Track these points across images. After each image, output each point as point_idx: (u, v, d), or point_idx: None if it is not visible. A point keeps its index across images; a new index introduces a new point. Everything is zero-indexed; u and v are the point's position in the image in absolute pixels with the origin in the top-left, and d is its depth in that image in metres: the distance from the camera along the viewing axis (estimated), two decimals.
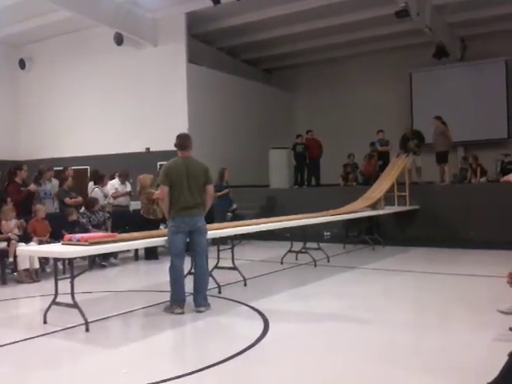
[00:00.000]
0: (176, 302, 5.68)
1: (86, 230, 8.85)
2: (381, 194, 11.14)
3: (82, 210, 9.41)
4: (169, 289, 5.77)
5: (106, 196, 10.44)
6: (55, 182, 10.17)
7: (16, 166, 9.78)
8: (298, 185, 14.82)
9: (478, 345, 4.50)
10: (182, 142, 5.95)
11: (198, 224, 5.79)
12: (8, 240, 7.69)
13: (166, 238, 5.92)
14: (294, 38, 16.32)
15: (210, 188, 5.98)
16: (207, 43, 16.75)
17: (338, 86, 18.20)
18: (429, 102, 16.14)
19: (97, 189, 10.47)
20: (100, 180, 10.73)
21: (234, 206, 12.37)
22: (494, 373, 2.93)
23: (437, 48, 15.17)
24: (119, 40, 14.73)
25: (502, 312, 4.74)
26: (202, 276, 5.91)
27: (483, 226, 11.07)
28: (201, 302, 5.79)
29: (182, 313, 5.62)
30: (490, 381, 2.96)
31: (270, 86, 19.25)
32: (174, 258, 5.76)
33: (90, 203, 9.44)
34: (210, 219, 10.31)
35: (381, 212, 10.92)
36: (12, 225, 7.98)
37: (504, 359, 2.97)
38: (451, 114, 14.12)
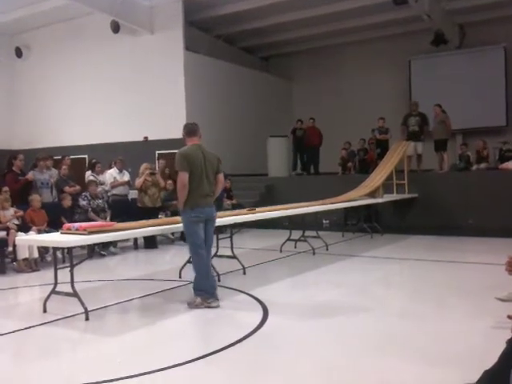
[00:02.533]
0: (211, 294, 5.48)
1: (86, 212, 8.89)
2: (379, 182, 11.14)
3: (84, 192, 9.45)
4: (168, 278, 5.77)
5: (101, 183, 10.45)
6: (54, 171, 10.17)
7: (12, 155, 9.77)
8: (297, 170, 14.82)
9: (475, 332, 4.53)
10: (193, 128, 5.76)
11: (213, 213, 5.67)
12: (7, 229, 7.69)
13: (170, 227, 5.81)
14: (291, 26, 16.21)
15: (221, 176, 5.83)
16: (204, 31, 16.64)
17: (337, 74, 18.12)
18: (427, 90, 16.09)
19: (91, 177, 10.47)
20: (92, 167, 10.80)
21: (234, 200, 12.39)
22: (492, 360, 2.95)
23: (435, 35, 15.10)
24: (116, 28, 14.65)
25: (500, 299, 4.76)
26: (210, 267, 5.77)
27: (482, 213, 11.09)
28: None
29: (218, 306, 5.44)
30: (487, 368, 2.98)
31: (268, 73, 19.17)
32: (198, 249, 5.51)
33: (87, 184, 9.57)
34: None
35: (379, 200, 10.92)
36: (10, 214, 7.97)
37: (502, 346, 2.98)
38: (450, 102, 14.08)
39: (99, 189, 10.27)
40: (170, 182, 10.89)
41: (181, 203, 5.49)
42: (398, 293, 6.24)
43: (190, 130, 5.75)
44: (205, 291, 5.48)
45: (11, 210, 8.06)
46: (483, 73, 15.78)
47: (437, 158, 12.84)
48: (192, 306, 5.46)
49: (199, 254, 5.52)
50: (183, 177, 5.38)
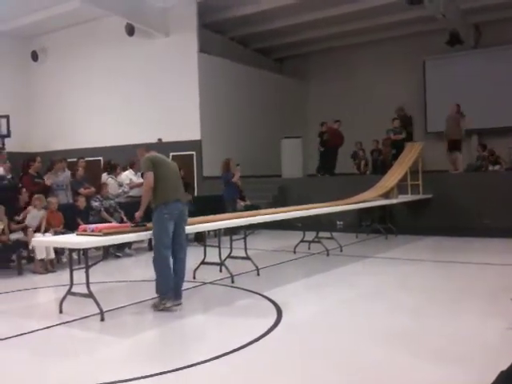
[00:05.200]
0: (167, 295, 5.44)
1: (99, 213, 8.98)
2: (394, 182, 11.09)
3: (96, 194, 9.57)
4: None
5: (120, 185, 10.53)
6: (68, 173, 10.26)
7: (30, 157, 9.88)
8: (322, 172, 14.78)
9: (490, 333, 4.49)
10: (149, 145, 6.16)
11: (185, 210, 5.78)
12: (25, 229, 7.79)
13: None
14: (305, 27, 16.21)
15: None
16: (218, 33, 16.70)
17: (351, 75, 18.06)
18: (442, 90, 15.99)
19: (110, 178, 10.55)
20: (113, 170, 10.85)
21: (248, 201, 12.39)
22: (508, 361, 2.93)
23: (450, 35, 15.00)
24: (130, 30, 14.76)
25: None
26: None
27: (497, 214, 10.99)
28: (179, 297, 5.60)
29: (180, 304, 5.44)
30: (503, 369, 2.96)
31: (282, 75, 19.18)
32: (163, 249, 5.47)
33: (100, 187, 9.64)
34: (221, 209, 10.37)
35: (394, 201, 10.87)
36: (40, 215, 8.07)
37: None
38: (465, 102, 13.96)
39: (119, 190, 10.36)
40: None
41: (144, 204, 5.61)
42: (412, 293, 6.20)
43: (148, 145, 6.07)
44: (163, 292, 5.44)
45: (42, 212, 8.15)
46: (499, 73, 15.60)
47: (449, 158, 12.76)
48: (156, 308, 5.45)
49: (162, 255, 5.44)
50: (150, 176, 5.53)
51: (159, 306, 5.45)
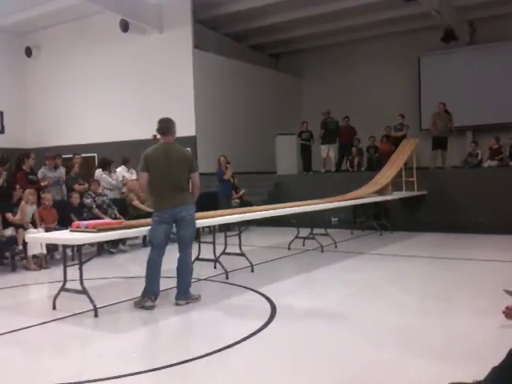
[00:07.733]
0: (147, 295, 5.39)
1: (91, 209, 8.97)
2: (388, 179, 11.10)
3: (88, 191, 9.55)
4: (175, 275, 5.74)
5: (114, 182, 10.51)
6: (62, 169, 10.22)
7: (24, 154, 9.82)
8: (306, 171, 14.88)
9: (484, 329, 4.50)
10: (161, 127, 5.63)
11: (181, 213, 5.46)
12: (19, 227, 7.74)
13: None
14: (300, 23, 16.19)
15: (194, 176, 5.61)
16: (213, 29, 16.66)
17: (346, 71, 18.06)
18: (437, 86, 16.01)
19: (104, 175, 10.52)
20: (108, 166, 10.81)
21: (243, 190, 12.39)
22: (501, 357, 2.94)
23: (445, 32, 15.03)
24: (125, 27, 14.71)
25: (508, 292, 4.74)
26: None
27: (492, 210, 11.01)
28: (180, 297, 5.57)
29: (153, 306, 5.33)
30: (495, 365, 2.97)
31: (277, 71, 19.15)
32: (152, 249, 5.57)
33: (92, 184, 9.61)
34: (215, 206, 10.38)
35: (388, 197, 10.89)
36: (32, 210, 8.02)
37: (510, 344, 2.97)
38: (459, 98, 14.03)
39: (113, 182, 10.35)
40: None
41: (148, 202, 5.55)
42: (407, 290, 6.21)
43: (159, 129, 5.64)
44: (144, 290, 5.43)
45: (34, 207, 8.12)
46: (494, 69, 15.65)
47: (432, 155, 12.81)
48: (137, 306, 5.41)
49: (150, 255, 5.51)
50: (141, 177, 5.54)
51: (139, 304, 5.39)
